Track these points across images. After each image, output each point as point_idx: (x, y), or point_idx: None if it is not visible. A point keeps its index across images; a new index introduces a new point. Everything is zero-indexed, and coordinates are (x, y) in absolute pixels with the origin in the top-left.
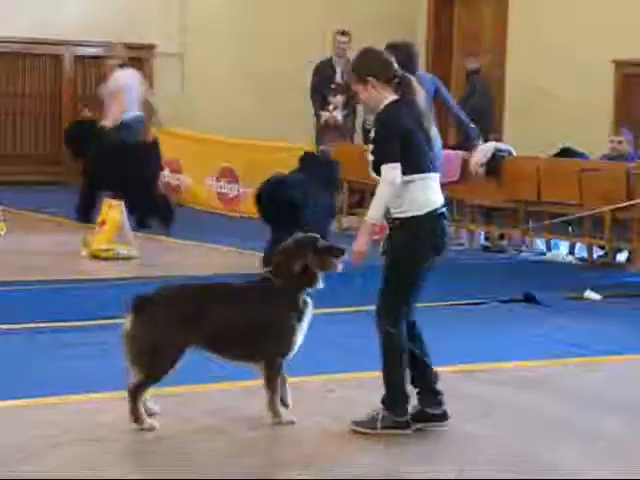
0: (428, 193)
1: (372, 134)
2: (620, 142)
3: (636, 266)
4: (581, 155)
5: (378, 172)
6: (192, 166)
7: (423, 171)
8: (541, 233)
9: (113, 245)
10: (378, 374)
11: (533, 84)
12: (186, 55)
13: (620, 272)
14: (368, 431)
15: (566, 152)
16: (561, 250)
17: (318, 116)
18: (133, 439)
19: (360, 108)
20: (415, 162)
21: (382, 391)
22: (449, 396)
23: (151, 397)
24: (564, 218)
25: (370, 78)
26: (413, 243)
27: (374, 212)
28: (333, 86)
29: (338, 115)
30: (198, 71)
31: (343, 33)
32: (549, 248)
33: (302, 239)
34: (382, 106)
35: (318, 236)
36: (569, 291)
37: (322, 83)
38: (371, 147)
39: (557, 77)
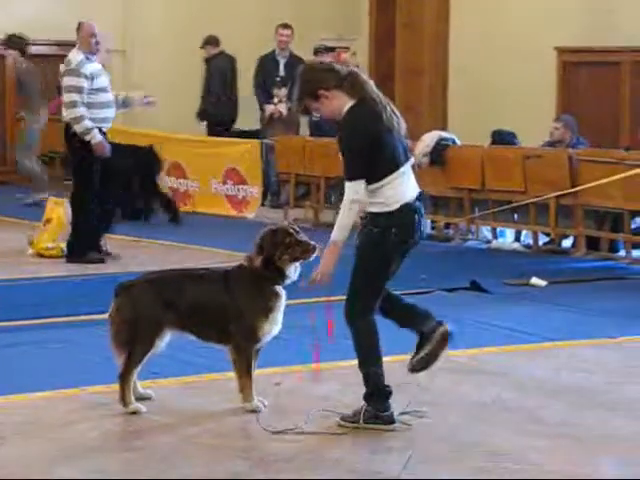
0: (401, 188)
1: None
2: (557, 128)
3: (581, 252)
4: (511, 135)
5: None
6: None
7: (397, 168)
8: (487, 221)
9: (58, 243)
10: (323, 365)
11: (476, 72)
12: (129, 52)
13: (565, 258)
14: (351, 425)
15: (497, 135)
16: (507, 238)
17: (263, 109)
18: (77, 437)
19: None
20: (388, 164)
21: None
22: (396, 386)
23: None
24: (509, 206)
25: (321, 91)
26: (380, 238)
27: (339, 234)
28: (278, 79)
29: (283, 108)
30: (141, 68)
31: (285, 26)
32: (495, 236)
33: (271, 233)
34: (343, 113)
35: (292, 229)
36: (515, 278)
37: (266, 77)
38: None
39: (500, 64)
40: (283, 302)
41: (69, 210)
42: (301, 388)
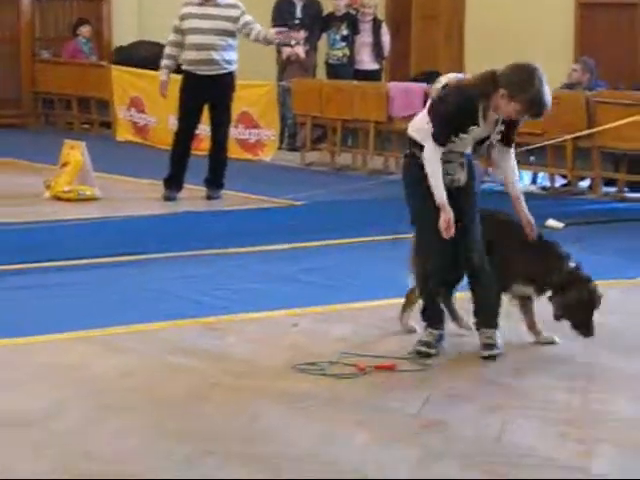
0: None
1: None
2: (575, 70)
3: (597, 193)
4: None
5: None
6: (155, 105)
7: None
8: None
9: (75, 186)
10: (338, 306)
11: (493, 15)
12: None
13: (582, 200)
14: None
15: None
16: (524, 180)
17: (280, 52)
18: (96, 377)
19: (321, 44)
20: None
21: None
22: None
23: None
24: (526, 148)
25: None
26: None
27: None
28: (296, 22)
29: (300, 51)
30: (156, 10)
31: None
32: None
33: None
34: None
35: None
36: None
37: (283, 19)
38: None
39: (517, 7)
40: None
41: (86, 153)
42: (317, 329)
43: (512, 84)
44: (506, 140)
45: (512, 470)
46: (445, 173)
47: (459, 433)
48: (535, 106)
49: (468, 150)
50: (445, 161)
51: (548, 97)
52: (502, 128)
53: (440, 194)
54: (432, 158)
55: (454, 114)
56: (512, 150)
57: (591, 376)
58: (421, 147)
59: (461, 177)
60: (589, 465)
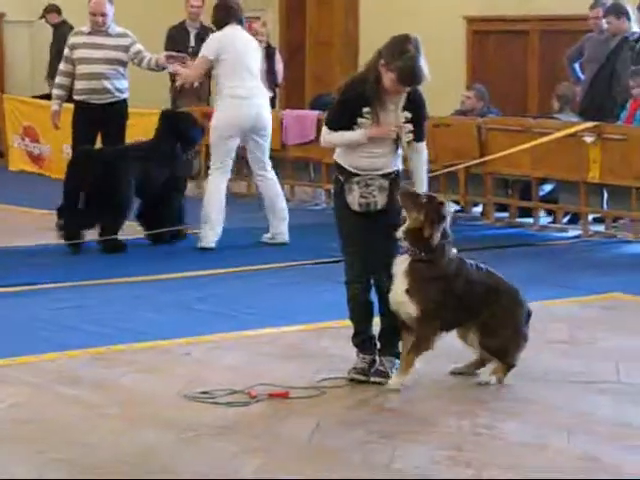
0: None
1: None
2: (468, 97)
3: (490, 219)
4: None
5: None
6: (49, 134)
7: None
8: None
9: None
10: (231, 334)
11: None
12: (36, 23)
13: (475, 226)
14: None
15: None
16: None
17: (174, 80)
18: None
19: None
20: None
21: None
22: (303, 354)
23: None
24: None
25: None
26: None
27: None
28: (189, 50)
29: None
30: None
31: None
32: None
33: None
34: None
35: None
36: None
37: (176, 47)
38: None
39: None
40: None
41: None
42: (210, 358)
43: (387, 52)
44: (417, 136)
45: None
46: (362, 196)
47: (348, 460)
48: (408, 74)
49: (385, 163)
50: (364, 184)
51: (422, 65)
52: (409, 116)
53: (351, 136)
54: (327, 135)
55: (342, 99)
56: (424, 144)
57: (479, 401)
58: (344, 170)
59: (378, 200)
60: None
